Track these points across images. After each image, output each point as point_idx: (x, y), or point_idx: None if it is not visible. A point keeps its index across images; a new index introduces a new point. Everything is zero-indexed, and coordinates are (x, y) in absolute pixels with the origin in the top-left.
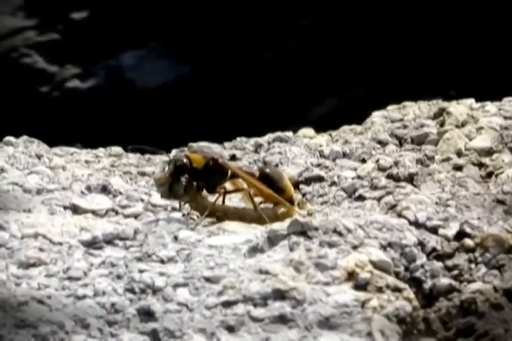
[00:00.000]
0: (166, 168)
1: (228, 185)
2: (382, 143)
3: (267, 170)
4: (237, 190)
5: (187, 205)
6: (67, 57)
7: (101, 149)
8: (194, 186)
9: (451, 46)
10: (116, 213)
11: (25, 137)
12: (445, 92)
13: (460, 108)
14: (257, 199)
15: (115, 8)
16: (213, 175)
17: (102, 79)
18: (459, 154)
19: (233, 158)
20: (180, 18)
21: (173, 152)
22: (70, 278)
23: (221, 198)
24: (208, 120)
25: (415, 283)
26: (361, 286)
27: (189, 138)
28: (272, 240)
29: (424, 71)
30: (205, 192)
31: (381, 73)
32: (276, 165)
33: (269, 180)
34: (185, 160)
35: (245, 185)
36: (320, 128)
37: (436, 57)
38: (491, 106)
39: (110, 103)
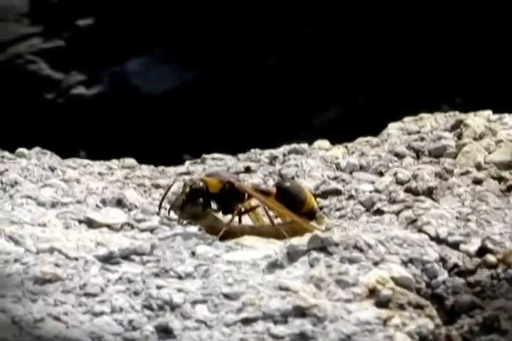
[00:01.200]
0: (181, 191)
1: (243, 206)
2: (400, 156)
3: (285, 185)
4: (252, 209)
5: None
6: (72, 64)
7: (114, 161)
8: (210, 209)
9: (459, 53)
10: (132, 227)
11: (37, 148)
12: (452, 100)
13: (477, 120)
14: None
15: (120, 15)
16: (229, 198)
17: (107, 85)
18: (479, 167)
19: (248, 170)
20: (184, 25)
21: (187, 163)
22: (86, 295)
23: (236, 218)
24: (214, 126)
25: (437, 299)
26: (383, 303)
27: (196, 145)
28: (292, 256)
29: (430, 78)
30: (220, 214)
31: (386, 80)
32: (293, 178)
33: (287, 194)
34: (201, 184)
35: (258, 204)
36: (326, 136)
37: (442, 64)
38: (508, 118)
39: (115, 110)
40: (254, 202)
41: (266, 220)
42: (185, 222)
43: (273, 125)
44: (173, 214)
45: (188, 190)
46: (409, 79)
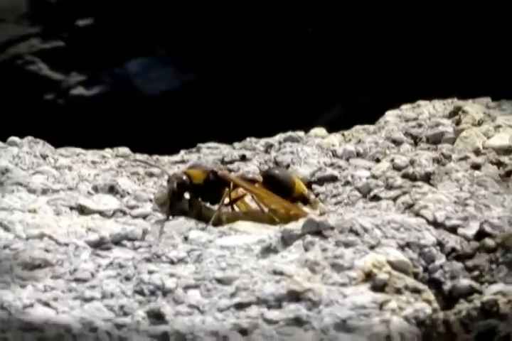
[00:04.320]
0: (165, 187)
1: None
2: (397, 143)
3: (271, 172)
4: (240, 197)
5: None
6: (72, 64)
7: (108, 150)
8: (197, 201)
9: (461, 51)
10: (124, 214)
11: (29, 137)
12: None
13: (476, 106)
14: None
15: (120, 15)
16: (215, 188)
17: (107, 86)
18: (477, 153)
19: (243, 158)
20: (185, 26)
21: (181, 152)
22: (76, 280)
23: (227, 206)
24: (214, 127)
25: (434, 284)
26: (379, 287)
27: (194, 142)
28: (286, 240)
29: (431, 77)
30: (208, 205)
31: (387, 81)
32: (288, 165)
33: (274, 181)
34: (184, 177)
35: (244, 191)
36: (330, 131)
37: (444, 64)
38: (507, 105)
39: (116, 110)
40: (241, 191)
41: (256, 207)
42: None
43: (274, 126)
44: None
45: (171, 184)
46: (412, 80)
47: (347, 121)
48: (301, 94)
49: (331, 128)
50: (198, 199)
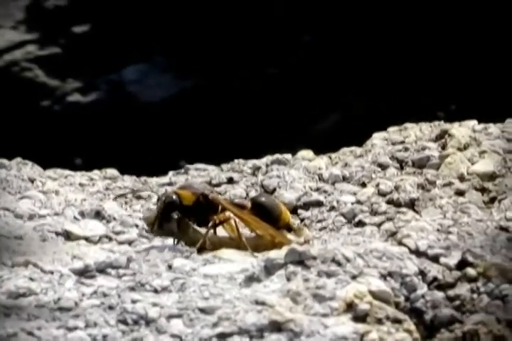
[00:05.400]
0: (155, 206)
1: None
2: (383, 167)
3: (260, 200)
4: (225, 221)
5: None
6: (68, 71)
7: (96, 171)
8: (186, 222)
9: (454, 62)
10: (110, 239)
11: (18, 159)
12: (447, 107)
13: (462, 130)
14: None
15: (117, 22)
16: (204, 210)
17: (103, 93)
18: (461, 179)
19: (230, 181)
20: (182, 33)
21: (170, 174)
22: (60, 309)
23: (212, 230)
24: (211, 134)
25: (416, 313)
26: (360, 318)
27: (188, 155)
28: (269, 269)
29: (426, 86)
30: (196, 226)
31: (384, 89)
32: (274, 190)
33: (262, 209)
34: (174, 197)
35: (232, 215)
36: (323, 145)
37: (439, 73)
38: (493, 129)
39: (111, 117)
40: (228, 214)
41: (243, 232)
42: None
43: (272, 133)
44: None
45: (161, 204)
46: (407, 88)
47: (343, 130)
48: (298, 102)
49: (325, 138)
50: (186, 220)
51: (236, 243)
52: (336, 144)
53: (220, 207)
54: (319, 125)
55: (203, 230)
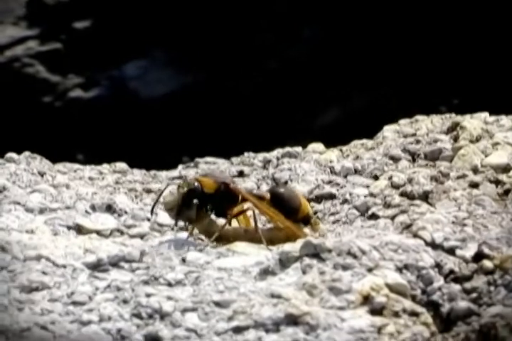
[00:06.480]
0: (175, 192)
1: (236, 209)
2: (395, 159)
3: (278, 191)
4: (243, 212)
5: (196, 230)
6: (69, 66)
7: (105, 165)
8: (204, 211)
9: (457, 55)
10: (122, 233)
11: (27, 153)
12: (450, 101)
13: (474, 122)
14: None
15: (118, 17)
16: (224, 199)
17: (104, 89)
18: (475, 171)
19: (241, 174)
20: (183, 28)
21: (179, 167)
22: (74, 303)
23: (238, 222)
24: (212, 129)
25: (432, 306)
26: (377, 311)
27: (193, 149)
28: (284, 262)
29: (427, 80)
30: (213, 216)
31: (384, 82)
32: (286, 183)
33: (280, 200)
34: (196, 184)
35: (252, 206)
36: (325, 138)
37: (441, 66)
38: (505, 120)
39: (113, 113)
40: (246, 205)
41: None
42: (180, 224)
43: (272, 128)
44: (168, 218)
45: (182, 190)
46: (409, 82)
47: (344, 124)
48: (299, 96)
49: (330, 130)
50: (204, 210)
51: (250, 235)
52: (339, 137)
53: (240, 198)
54: (321, 118)
55: (219, 221)
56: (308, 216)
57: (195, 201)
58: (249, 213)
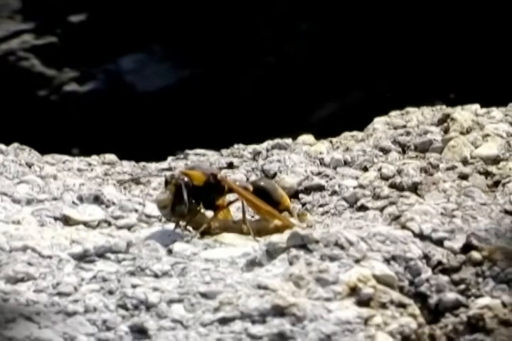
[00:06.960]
0: (166, 188)
1: (223, 201)
2: (385, 151)
3: (260, 183)
4: (231, 203)
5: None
6: (65, 60)
7: (94, 157)
8: (195, 204)
9: (453, 49)
10: (109, 224)
11: (15, 144)
12: (446, 95)
13: (465, 114)
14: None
15: (114, 11)
16: (211, 191)
17: (100, 82)
18: (465, 162)
19: (230, 165)
20: (179, 22)
21: (169, 159)
22: (59, 294)
23: (219, 214)
24: (209, 123)
25: (420, 298)
26: (364, 302)
27: (187, 143)
28: (271, 253)
29: (424, 74)
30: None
31: (381, 76)
32: (275, 174)
33: (262, 193)
34: (186, 179)
35: (240, 197)
36: (321, 133)
37: (437, 61)
38: (496, 112)
39: (108, 107)
40: (232, 196)
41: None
42: (173, 219)
43: (269, 122)
44: (153, 209)
45: (173, 186)
46: (406, 76)
47: (340, 119)
48: (296, 91)
49: (325, 126)
50: (195, 204)
51: (239, 227)
52: (335, 132)
53: (226, 188)
54: (317, 113)
55: (208, 213)
56: (289, 209)
57: (186, 196)
58: (238, 204)
